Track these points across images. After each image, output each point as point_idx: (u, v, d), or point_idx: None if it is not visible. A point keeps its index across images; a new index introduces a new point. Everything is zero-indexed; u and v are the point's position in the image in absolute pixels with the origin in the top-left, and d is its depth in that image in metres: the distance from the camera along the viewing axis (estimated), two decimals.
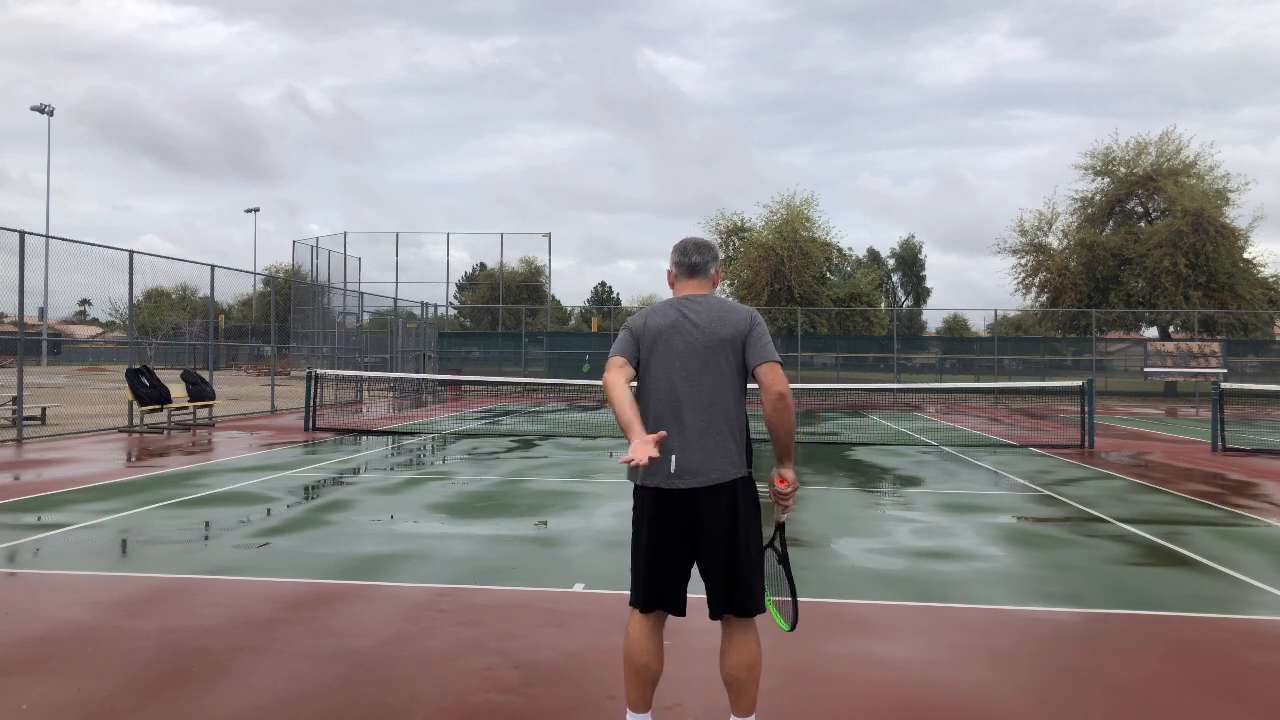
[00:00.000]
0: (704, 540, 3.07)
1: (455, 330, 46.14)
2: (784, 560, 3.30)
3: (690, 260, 3.28)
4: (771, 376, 3.04)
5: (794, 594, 3.21)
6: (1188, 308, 34.59)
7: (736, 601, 3.08)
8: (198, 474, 10.22)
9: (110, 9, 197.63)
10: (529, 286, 48.93)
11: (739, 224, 43.47)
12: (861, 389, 29.65)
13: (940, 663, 4.27)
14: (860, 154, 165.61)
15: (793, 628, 3.27)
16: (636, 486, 3.13)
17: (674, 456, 3.03)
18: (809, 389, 26.24)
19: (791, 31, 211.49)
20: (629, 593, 3.20)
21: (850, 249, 46.50)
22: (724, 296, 3.33)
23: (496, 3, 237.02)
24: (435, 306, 34.98)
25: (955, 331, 53.78)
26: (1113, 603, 5.36)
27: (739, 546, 3.07)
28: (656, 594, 3.10)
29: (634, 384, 3.18)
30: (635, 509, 3.19)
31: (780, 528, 3.31)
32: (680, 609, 3.15)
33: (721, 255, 3.74)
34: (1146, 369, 31.75)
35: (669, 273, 3.32)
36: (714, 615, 3.13)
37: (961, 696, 3.86)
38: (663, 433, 2.91)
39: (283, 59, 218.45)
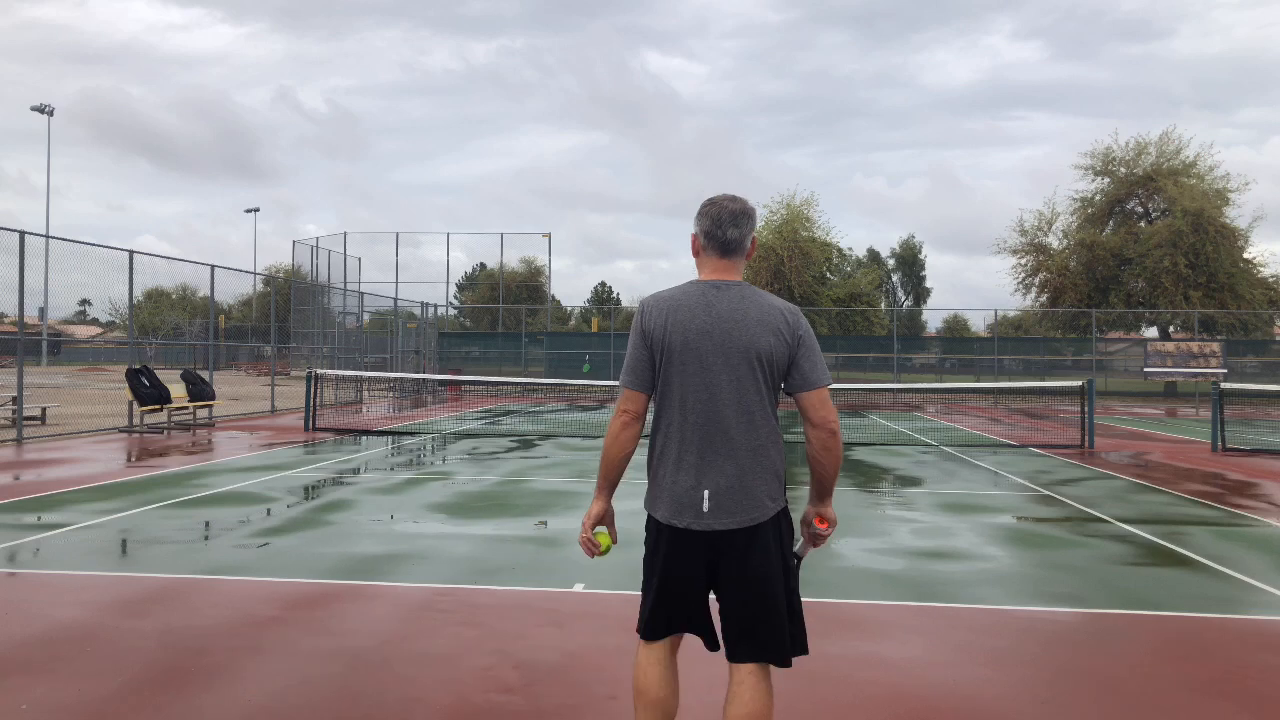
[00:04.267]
0: (729, 582, 2.69)
1: (455, 330, 46.15)
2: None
3: (725, 234, 2.69)
4: (822, 411, 2.63)
5: None
6: (1188, 308, 34.59)
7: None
8: (198, 474, 10.22)
9: (117, 11, 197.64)
10: (529, 286, 48.95)
11: None
12: (861, 389, 29.64)
13: (940, 663, 4.27)
14: (861, 155, 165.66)
15: None
16: (651, 518, 2.76)
17: (706, 492, 2.62)
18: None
19: (795, 33, 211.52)
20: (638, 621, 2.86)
21: (850, 249, 46.62)
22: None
23: (501, 5, 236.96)
24: (435, 306, 35.00)
25: (955, 331, 53.79)
26: (1113, 603, 5.36)
27: (772, 591, 2.69)
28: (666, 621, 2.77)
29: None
30: (647, 538, 2.81)
31: (798, 560, 2.82)
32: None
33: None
34: (1146, 369, 31.74)
35: (694, 238, 2.76)
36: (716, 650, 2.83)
37: (961, 696, 3.86)
38: (602, 528, 2.75)
39: (288, 60, 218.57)
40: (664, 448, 2.70)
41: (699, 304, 2.64)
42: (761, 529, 2.64)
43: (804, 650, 2.75)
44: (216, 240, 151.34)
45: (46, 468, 10.61)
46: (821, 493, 2.76)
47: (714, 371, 2.61)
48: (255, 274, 32.09)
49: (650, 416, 2.76)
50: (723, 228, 2.69)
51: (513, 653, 4.30)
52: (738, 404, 2.62)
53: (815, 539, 2.82)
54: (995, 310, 41.40)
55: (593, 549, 2.82)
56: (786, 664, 2.69)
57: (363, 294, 31.38)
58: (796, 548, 2.84)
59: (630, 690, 3.83)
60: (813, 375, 2.65)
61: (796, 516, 2.83)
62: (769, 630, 2.65)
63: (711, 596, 2.77)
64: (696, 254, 2.77)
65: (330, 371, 21.04)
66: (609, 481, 2.78)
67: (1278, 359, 35.48)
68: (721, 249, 2.71)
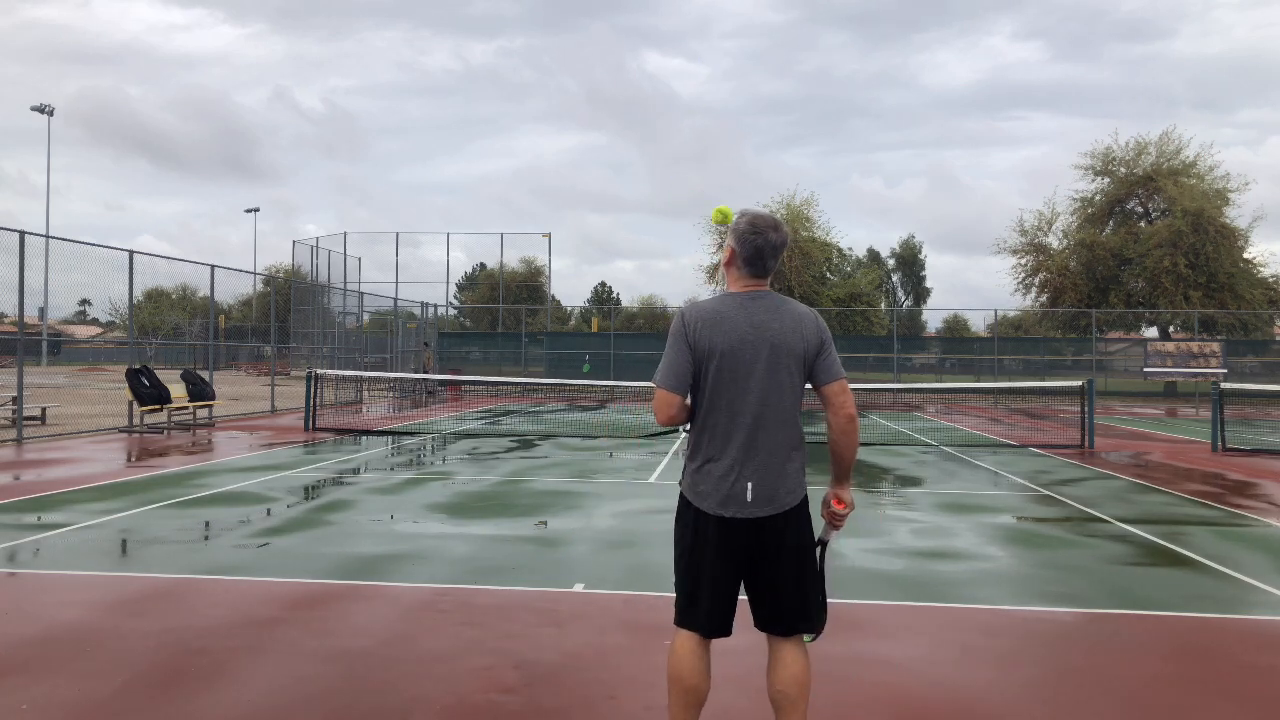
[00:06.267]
0: (768, 562, 2.93)
1: (455, 330, 46.14)
2: (820, 572, 3.11)
3: (766, 264, 2.96)
4: (843, 398, 2.92)
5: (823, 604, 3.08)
6: (1188, 308, 34.58)
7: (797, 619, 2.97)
8: (198, 474, 10.22)
9: (119, 11, 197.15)
10: (529, 286, 48.96)
11: None
12: (861, 389, 29.58)
13: (940, 663, 4.27)
14: (861, 155, 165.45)
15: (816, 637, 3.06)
16: (698, 510, 2.94)
17: (750, 484, 2.87)
18: (809, 389, 26.23)
19: (795, 33, 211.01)
20: (675, 612, 3.01)
21: (850, 249, 46.60)
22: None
23: (501, 5, 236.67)
24: (435, 306, 35.00)
25: (955, 331, 53.79)
26: (1113, 603, 5.36)
27: (807, 565, 2.97)
28: (722, 616, 2.95)
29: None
30: (686, 529, 2.99)
31: (824, 546, 3.11)
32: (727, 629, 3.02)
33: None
34: (1146, 369, 31.74)
35: (730, 250, 2.99)
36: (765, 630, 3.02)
37: (961, 696, 3.86)
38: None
39: (288, 60, 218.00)
40: (710, 446, 2.93)
41: (739, 314, 2.91)
42: (794, 512, 2.93)
43: (823, 622, 3.05)
44: (216, 240, 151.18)
45: (46, 468, 10.61)
46: (840, 475, 3.03)
47: (754, 376, 2.88)
48: (255, 274, 32.12)
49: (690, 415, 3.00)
50: (764, 258, 2.96)
51: (512, 653, 4.30)
52: (775, 404, 2.90)
53: (834, 519, 3.06)
54: (995, 310, 41.38)
55: None
56: (817, 632, 3.00)
57: (362, 294, 31.42)
58: (820, 533, 3.10)
59: (633, 686, 3.83)
60: (834, 369, 2.96)
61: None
62: (804, 602, 2.95)
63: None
64: (729, 265, 3.01)
65: (330, 371, 21.04)
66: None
67: (1278, 359, 35.46)
68: (760, 273, 2.98)
